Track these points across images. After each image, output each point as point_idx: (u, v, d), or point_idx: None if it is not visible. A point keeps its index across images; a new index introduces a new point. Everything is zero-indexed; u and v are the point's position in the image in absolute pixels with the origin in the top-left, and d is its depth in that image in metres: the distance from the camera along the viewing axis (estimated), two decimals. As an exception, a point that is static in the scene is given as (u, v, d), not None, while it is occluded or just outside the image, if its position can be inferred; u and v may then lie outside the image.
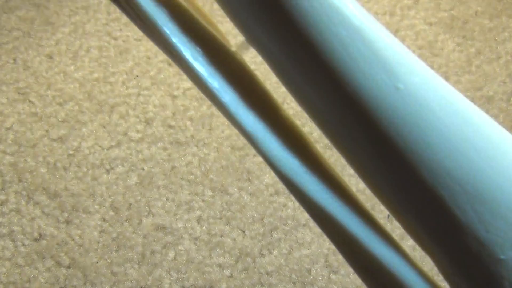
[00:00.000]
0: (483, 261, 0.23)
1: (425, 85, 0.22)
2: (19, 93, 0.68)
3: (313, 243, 0.60)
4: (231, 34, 0.66)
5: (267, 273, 0.58)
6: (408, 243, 0.56)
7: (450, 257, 0.24)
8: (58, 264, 0.57)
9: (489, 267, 0.23)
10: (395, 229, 0.57)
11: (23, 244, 0.58)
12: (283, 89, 0.65)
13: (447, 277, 0.25)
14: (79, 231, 0.59)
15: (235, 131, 0.59)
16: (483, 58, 0.71)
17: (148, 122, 0.67)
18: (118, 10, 0.74)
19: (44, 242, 0.58)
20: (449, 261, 0.24)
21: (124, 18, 0.71)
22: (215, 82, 0.25)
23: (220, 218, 0.61)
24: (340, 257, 0.58)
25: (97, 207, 0.61)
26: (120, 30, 0.72)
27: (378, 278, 0.26)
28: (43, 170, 0.62)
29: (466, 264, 0.24)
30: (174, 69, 0.69)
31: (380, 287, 0.26)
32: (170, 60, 0.26)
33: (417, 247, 0.26)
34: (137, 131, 0.66)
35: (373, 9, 0.74)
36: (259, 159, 0.63)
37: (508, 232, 0.23)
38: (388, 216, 0.61)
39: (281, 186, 0.61)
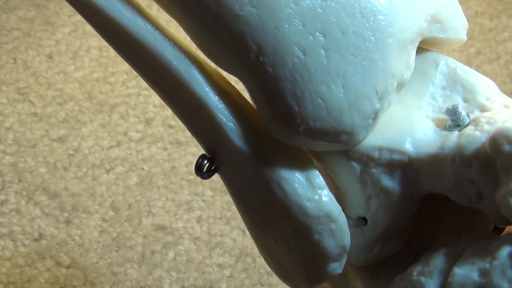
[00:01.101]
0: (224, 19, 0.23)
1: None
2: (19, 93, 0.68)
3: (313, 243, 0.60)
4: None
5: (267, 273, 0.58)
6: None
7: (192, 21, 0.24)
8: (58, 264, 0.57)
9: (231, 25, 0.23)
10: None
11: (23, 244, 0.58)
12: None
13: (198, 44, 0.25)
14: (79, 231, 0.59)
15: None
16: (483, 58, 0.71)
17: (148, 122, 0.67)
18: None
19: (44, 242, 0.58)
20: (192, 25, 0.24)
21: (124, 18, 0.71)
22: None
23: (220, 218, 0.61)
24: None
25: (97, 207, 0.61)
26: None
27: (118, 41, 0.26)
28: (43, 170, 0.62)
29: (208, 25, 0.23)
30: (174, 69, 0.69)
31: (125, 52, 0.26)
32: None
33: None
34: (137, 131, 0.66)
35: (373, 9, 0.74)
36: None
37: None
38: None
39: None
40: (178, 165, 0.64)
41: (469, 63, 0.71)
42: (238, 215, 0.61)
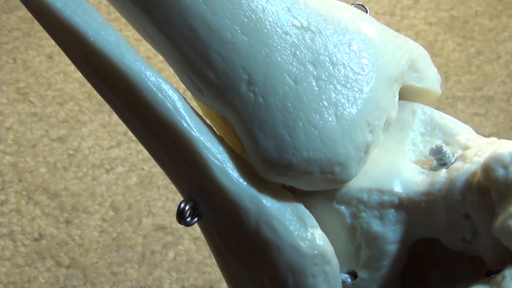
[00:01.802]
0: (215, 47, 0.23)
1: None
2: (19, 93, 0.68)
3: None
4: None
5: (267, 273, 0.58)
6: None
7: (180, 50, 0.23)
8: (58, 264, 0.57)
9: (222, 54, 0.23)
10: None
11: (23, 244, 0.58)
12: None
13: (184, 78, 0.24)
14: (79, 231, 0.59)
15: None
16: (483, 58, 0.71)
17: (148, 122, 0.67)
18: (118, 10, 0.74)
19: (44, 242, 0.58)
20: (181, 56, 0.23)
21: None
22: None
23: (220, 218, 0.61)
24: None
25: (97, 207, 0.61)
26: (120, 30, 0.72)
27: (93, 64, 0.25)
28: (43, 170, 0.62)
29: (198, 54, 0.23)
30: (174, 69, 0.69)
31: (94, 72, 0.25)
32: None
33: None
34: (137, 131, 0.66)
35: (373, 9, 0.74)
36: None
37: (235, 13, 0.23)
38: None
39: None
40: (178, 165, 0.64)
41: (469, 63, 0.71)
42: (238, 215, 0.61)
